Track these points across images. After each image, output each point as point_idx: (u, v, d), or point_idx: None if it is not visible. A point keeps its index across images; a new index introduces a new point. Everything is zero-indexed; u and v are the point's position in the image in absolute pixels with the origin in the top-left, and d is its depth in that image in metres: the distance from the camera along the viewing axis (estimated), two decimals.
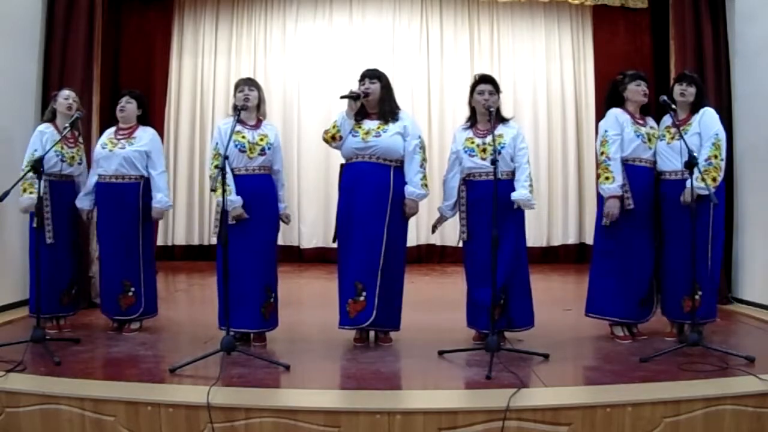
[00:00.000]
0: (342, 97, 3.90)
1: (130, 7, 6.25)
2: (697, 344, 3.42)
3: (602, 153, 3.91)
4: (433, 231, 4.20)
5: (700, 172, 3.54)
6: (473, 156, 3.84)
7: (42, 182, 3.68)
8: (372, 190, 3.81)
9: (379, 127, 3.84)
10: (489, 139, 3.76)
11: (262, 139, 3.86)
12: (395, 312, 3.86)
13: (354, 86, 3.96)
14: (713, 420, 2.80)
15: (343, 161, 3.97)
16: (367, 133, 3.83)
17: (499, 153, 3.76)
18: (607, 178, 3.87)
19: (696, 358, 3.39)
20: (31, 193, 3.95)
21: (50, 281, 4.01)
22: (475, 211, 3.86)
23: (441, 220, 4.07)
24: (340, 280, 3.89)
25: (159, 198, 4.17)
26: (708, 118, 3.86)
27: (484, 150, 3.79)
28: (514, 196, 3.78)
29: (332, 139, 3.89)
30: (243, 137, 3.81)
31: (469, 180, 3.89)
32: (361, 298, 3.77)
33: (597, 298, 4.01)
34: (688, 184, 3.64)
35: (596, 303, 4.01)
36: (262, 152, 3.84)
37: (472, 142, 3.87)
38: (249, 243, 3.73)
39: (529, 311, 3.90)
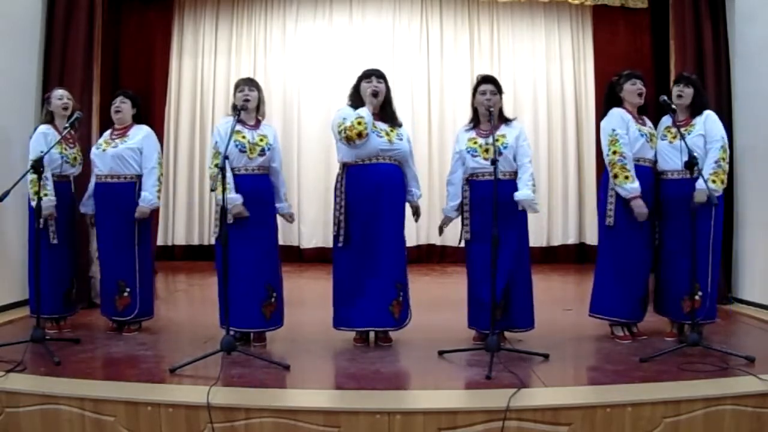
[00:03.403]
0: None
1: (130, 7, 6.25)
2: (697, 344, 3.42)
3: (615, 152, 3.83)
4: (440, 233, 4.12)
5: (700, 172, 3.55)
6: (476, 156, 3.84)
7: (49, 183, 3.66)
8: (394, 192, 3.84)
9: (393, 130, 3.85)
10: (492, 139, 3.76)
11: (261, 140, 3.86)
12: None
13: (351, 85, 3.93)
14: (713, 420, 2.80)
15: (348, 161, 3.82)
16: (388, 134, 3.82)
17: (501, 153, 3.76)
18: (626, 178, 3.80)
19: (696, 358, 3.39)
20: (45, 194, 3.90)
21: (52, 282, 4.01)
22: (478, 211, 3.85)
23: (446, 221, 4.02)
24: (366, 281, 3.76)
25: (143, 196, 4.10)
26: (713, 122, 3.88)
27: (487, 150, 3.76)
28: (517, 196, 3.77)
29: (358, 136, 3.67)
30: (243, 137, 3.80)
31: (472, 180, 3.89)
32: (400, 299, 3.80)
33: (602, 298, 3.98)
34: (698, 185, 3.65)
35: (601, 303, 3.99)
36: (262, 152, 3.83)
37: (475, 143, 3.87)
38: (249, 242, 3.73)
39: (530, 312, 3.90)
